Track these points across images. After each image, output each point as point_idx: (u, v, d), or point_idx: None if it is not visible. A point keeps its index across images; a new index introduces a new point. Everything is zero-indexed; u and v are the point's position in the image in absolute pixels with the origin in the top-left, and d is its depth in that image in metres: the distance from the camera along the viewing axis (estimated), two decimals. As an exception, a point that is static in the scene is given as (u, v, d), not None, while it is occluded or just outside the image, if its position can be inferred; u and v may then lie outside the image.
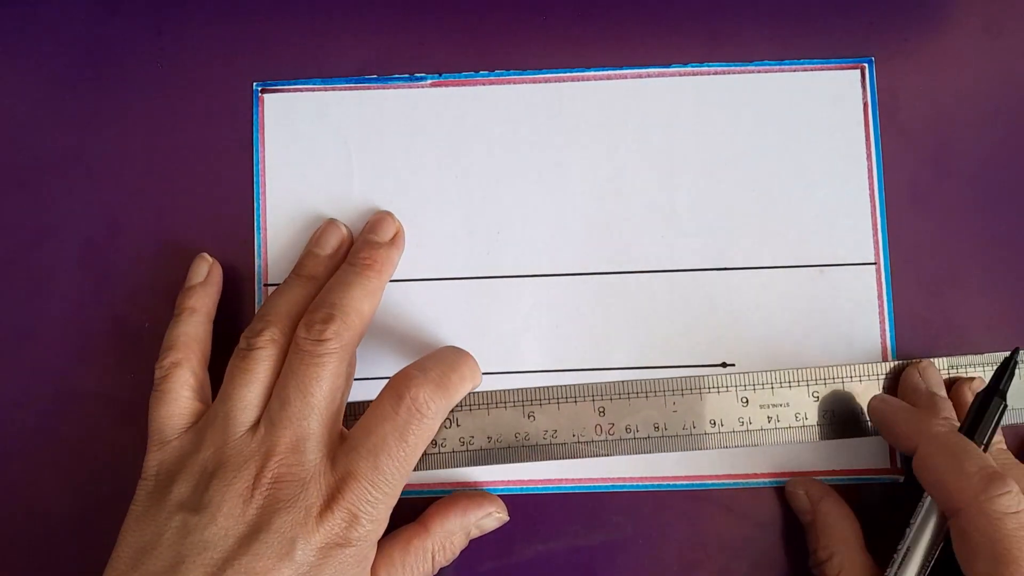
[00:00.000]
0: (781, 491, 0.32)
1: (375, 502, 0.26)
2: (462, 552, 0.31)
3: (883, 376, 0.31)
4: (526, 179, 0.33)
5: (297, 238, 0.33)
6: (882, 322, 0.32)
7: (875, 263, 0.32)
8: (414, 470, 0.28)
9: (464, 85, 0.33)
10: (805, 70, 0.33)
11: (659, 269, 0.32)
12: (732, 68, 0.33)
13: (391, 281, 0.32)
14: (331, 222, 0.32)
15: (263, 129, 0.33)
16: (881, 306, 0.32)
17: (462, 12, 0.34)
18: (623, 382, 0.31)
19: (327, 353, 0.27)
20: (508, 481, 0.32)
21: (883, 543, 0.29)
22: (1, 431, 0.32)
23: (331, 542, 0.26)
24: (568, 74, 0.33)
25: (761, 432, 0.31)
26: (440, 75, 0.33)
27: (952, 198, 0.33)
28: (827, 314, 0.32)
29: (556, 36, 0.33)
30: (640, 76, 0.33)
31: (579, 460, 0.32)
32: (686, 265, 0.32)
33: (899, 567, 0.27)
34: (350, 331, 0.28)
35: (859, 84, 0.33)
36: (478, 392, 0.30)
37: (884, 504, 0.31)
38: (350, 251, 0.31)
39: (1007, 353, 0.29)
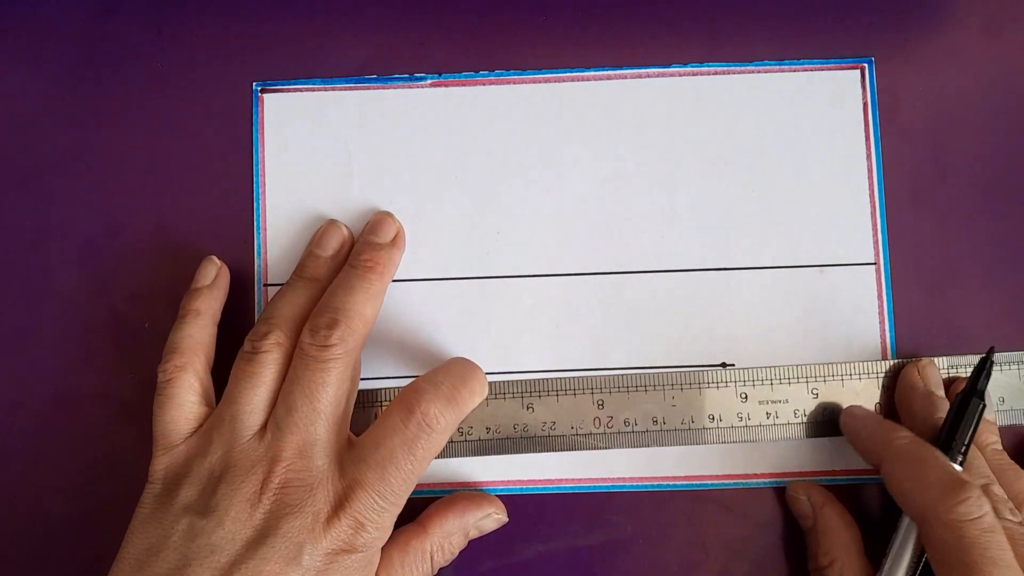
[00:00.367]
0: (781, 491, 0.32)
1: (381, 511, 0.27)
2: (462, 552, 0.31)
3: (883, 374, 0.31)
4: (526, 179, 0.33)
5: (297, 238, 0.33)
6: (882, 322, 0.32)
7: (875, 263, 0.32)
8: None
9: (464, 85, 0.33)
10: (805, 70, 0.33)
11: (659, 269, 0.32)
12: (732, 68, 0.33)
13: (392, 281, 0.32)
14: (332, 223, 0.32)
15: (263, 129, 0.33)
16: (881, 306, 0.32)
17: (462, 12, 0.34)
18: (622, 375, 0.31)
19: (332, 359, 0.28)
20: (508, 481, 0.32)
21: (881, 545, 0.29)
22: (1, 431, 0.32)
23: (337, 548, 0.26)
24: (568, 74, 0.33)
25: (760, 428, 0.31)
26: (440, 75, 0.33)
27: (952, 198, 0.33)
28: (827, 314, 0.32)
29: (556, 36, 0.33)
30: (640, 76, 0.33)
31: (579, 460, 0.32)
32: (686, 265, 0.32)
33: (885, 575, 0.28)
34: (354, 336, 0.28)
35: (859, 84, 0.33)
36: None
37: (883, 505, 0.31)
38: (351, 253, 0.31)
39: (1007, 353, 0.29)
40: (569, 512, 0.32)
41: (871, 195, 0.33)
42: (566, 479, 0.32)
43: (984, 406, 0.28)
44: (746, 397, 0.31)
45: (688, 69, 0.33)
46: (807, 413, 0.31)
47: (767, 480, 0.32)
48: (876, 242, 0.32)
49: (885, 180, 0.33)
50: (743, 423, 0.31)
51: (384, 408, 0.31)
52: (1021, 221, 0.33)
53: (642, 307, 0.32)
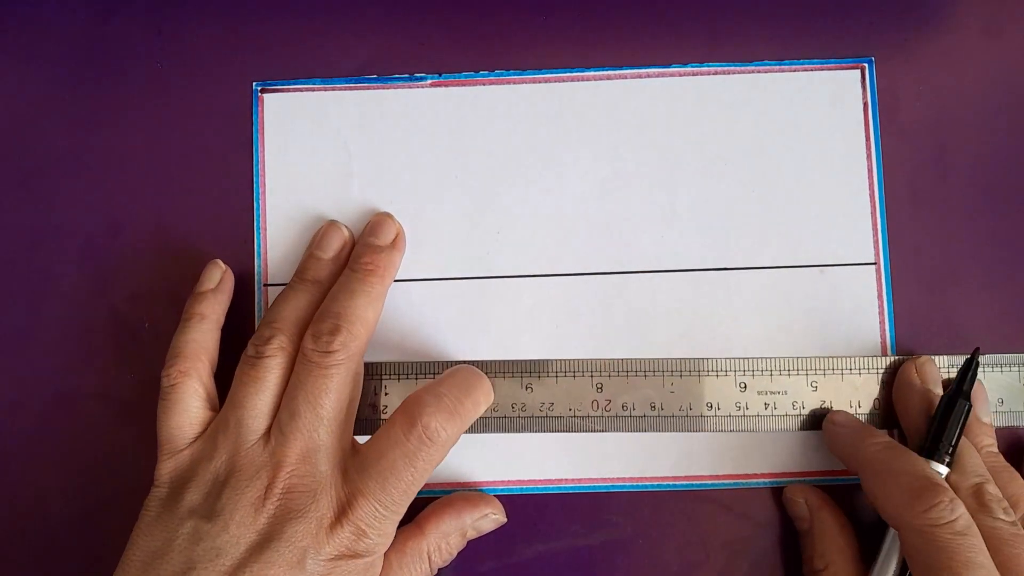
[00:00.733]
0: (781, 491, 0.32)
1: (382, 519, 0.27)
2: (462, 552, 0.31)
3: (883, 370, 0.31)
4: (526, 179, 0.33)
5: (297, 238, 0.33)
6: (882, 322, 0.32)
7: (875, 263, 0.32)
8: None
9: (464, 85, 0.33)
10: (805, 70, 0.33)
11: (659, 269, 0.32)
12: (732, 68, 0.33)
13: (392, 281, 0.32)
14: (332, 224, 0.32)
15: (263, 129, 0.33)
16: (881, 306, 0.32)
17: (462, 12, 0.34)
18: (622, 360, 0.31)
19: (335, 364, 0.28)
20: (508, 481, 0.32)
21: (879, 547, 0.29)
22: (1, 431, 0.32)
23: (340, 553, 0.26)
24: (568, 74, 0.33)
25: (757, 418, 0.31)
26: (440, 75, 0.33)
27: (952, 198, 0.33)
28: (827, 314, 0.32)
29: (556, 36, 0.33)
30: (640, 76, 0.33)
31: (579, 460, 0.32)
32: (686, 265, 0.32)
33: None
34: (356, 341, 0.28)
35: (859, 84, 0.33)
36: (477, 362, 0.31)
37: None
38: (352, 255, 0.31)
39: (1008, 355, 0.29)
40: (569, 512, 0.32)
41: (871, 195, 0.33)
42: (566, 479, 0.32)
43: (970, 407, 0.29)
44: (745, 387, 0.31)
45: (688, 69, 0.33)
46: (805, 406, 0.31)
47: (766, 480, 0.32)
48: (876, 242, 0.32)
49: (885, 180, 0.33)
50: (741, 412, 0.31)
51: (387, 418, 0.31)
52: (1021, 221, 0.33)
53: (642, 307, 0.32)
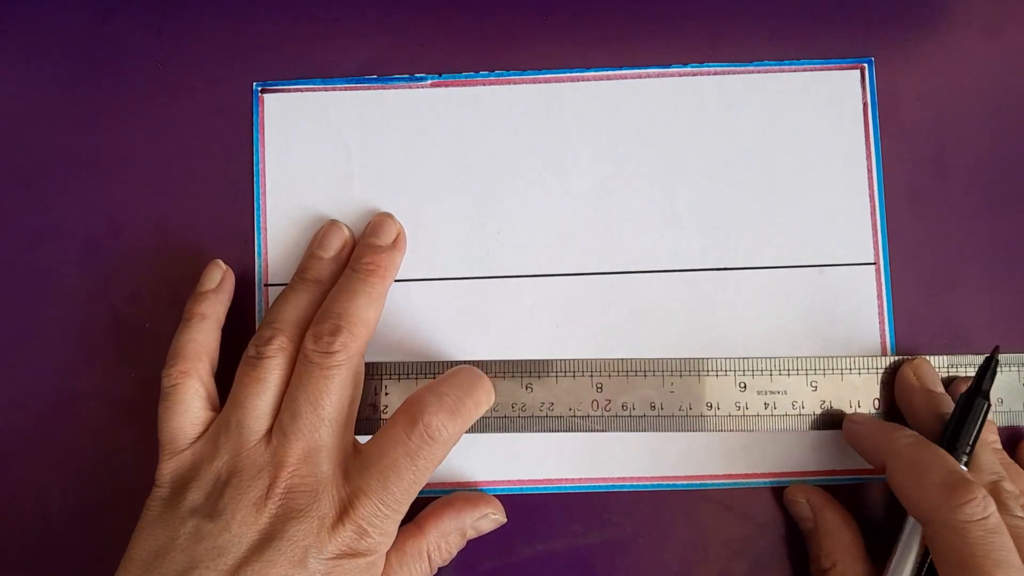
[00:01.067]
0: (781, 491, 0.32)
1: (384, 518, 0.27)
2: (462, 552, 0.31)
3: (883, 370, 0.31)
4: (526, 179, 0.33)
5: (298, 238, 0.33)
6: (881, 322, 0.32)
7: (875, 263, 0.32)
8: None
9: (464, 85, 0.33)
10: (805, 70, 0.33)
11: (659, 269, 0.32)
12: (732, 68, 0.33)
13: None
14: (332, 223, 0.32)
15: (263, 129, 0.33)
16: (880, 306, 0.32)
17: (462, 12, 0.34)
18: (622, 360, 0.31)
19: (335, 365, 0.28)
20: (508, 481, 0.32)
21: (884, 545, 0.29)
22: (1, 431, 0.32)
23: (342, 552, 0.27)
24: (568, 74, 0.33)
25: (757, 418, 0.31)
26: (440, 75, 0.33)
27: (952, 198, 0.33)
28: (827, 314, 0.32)
29: (556, 36, 0.33)
30: (640, 76, 0.33)
31: (579, 460, 0.32)
32: (686, 265, 0.32)
33: (890, 575, 0.28)
34: (357, 341, 0.28)
35: (859, 84, 0.33)
36: (478, 362, 0.31)
37: (884, 505, 0.31)
38: (352, 255, 0.31)
39: (1007, 355, 0.29)
40: (569, 512, 0.32)
41: (871, 195, 0.33)
42: (566, 479, 0.32)
43: (989, 406, 0.28)
44: (745, 386, 0.31)
45: (688, 69, 0.33)
46: (805, 406, 0.31)
47: (767, 480, 0.32)
48: (876, 242, 0.32)
49: (885, 180, 0.33)
50: (741, 412, 0.31)
51: (388, 418, 0.31)
52: (1021, 221, 0.33)
53: (642, 307, 0.32)
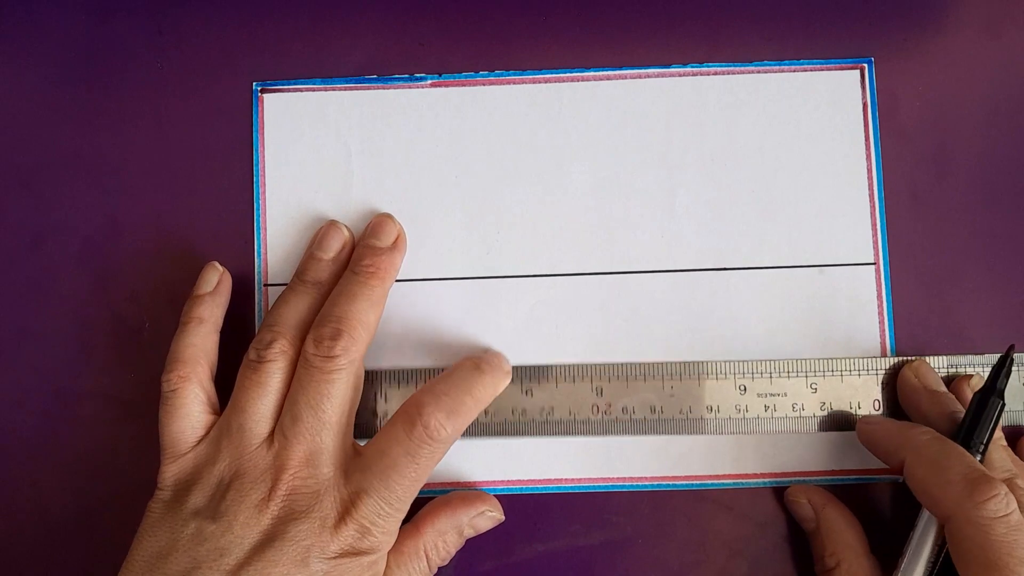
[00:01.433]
0: (781, 491, 0.32)
1: (386, 516, 0.27)
2: (462, 552, 0.31)
3: (882, 371, 0.31)
4: (526, 179, 0.33)
5: (297, 238, 0.33)
6: (881, 322, 0.32)
7: (874, 263, 0.32)
8: None
9: (464, 85, 0.33)
10: (805, 70, 0.33)
11: (659, 269, 0.32)
12: (732, 68, 0.33)
13: (391, 281, 0.32)
14: (332, 224, 0.32)
15: (263, 129, 0.33)
16: (880, 306, 0.32)
17: (462, 12, 0.34)
18: (622, 364, 0.31)
19: (336, 369, 0.28)
20: (508, 481, 0.32)
21: (886, 544, 0.29)
22: (1, 431, 0.32)
23: (344, 551, 0.27)
24: (568, 74, 0.33)
25: (757, 420, 0.31)
26: (440, 75, 0.33)
27: (951, 198, 0.33)
28: (827, 314, 0.32)
29: (556, 36, 0.33)
30: (640, 76, 0.33)
31: (579, 460, 0.32)
32: (686, 265, 0.32)
33: (902, 573, 0.27)
34: (357, 345, 0.29)
35: (859, 84, 0.33)
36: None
37: (887, 505, 0.31)
38: (352, 257, 0.31)
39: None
40: (569, 512, 0.32)
41: (871, 195, 0.33)
42: (566, 479, 0.32)
43: (1003, 404, 0.28)
44: (745, 389, 0.31)
45: (688, 69, 0.33)
46: (805, 408, 0.31)
47: (767, 480, 0.32)
48: (876, 242, 0.32)
49: (885, 180, 0.33)
50: (741, 415, 0.31)
51: (388, 418, 0.31)
52: (1021, 221, 0.33)
53: (642, 307, 0.32)
